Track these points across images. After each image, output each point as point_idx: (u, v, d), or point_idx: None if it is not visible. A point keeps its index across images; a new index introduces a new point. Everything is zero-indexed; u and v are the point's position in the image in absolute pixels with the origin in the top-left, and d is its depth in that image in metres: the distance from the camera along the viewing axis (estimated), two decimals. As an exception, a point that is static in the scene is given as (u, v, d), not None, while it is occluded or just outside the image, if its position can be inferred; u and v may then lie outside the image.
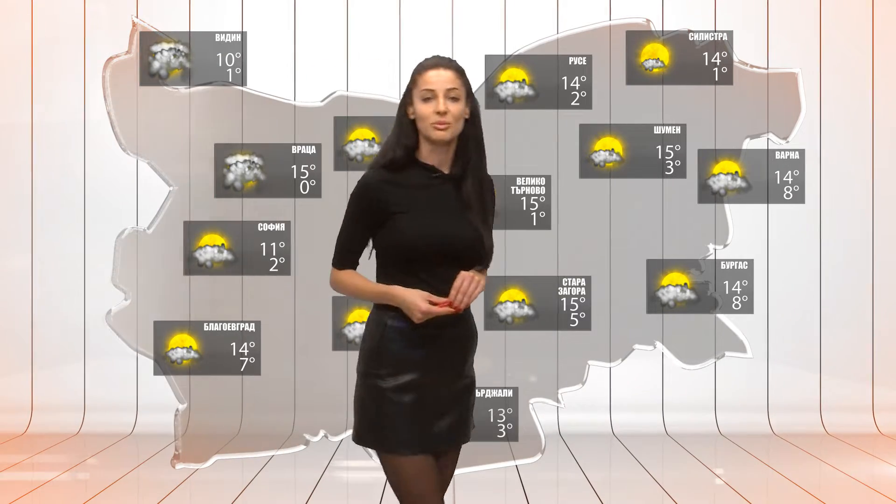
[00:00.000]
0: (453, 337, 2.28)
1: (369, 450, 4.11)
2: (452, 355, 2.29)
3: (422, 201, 2.24)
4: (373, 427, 2.24)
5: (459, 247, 2.23)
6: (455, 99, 2.23)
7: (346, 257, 2.31)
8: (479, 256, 2.27)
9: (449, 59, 2.30)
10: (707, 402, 5.36)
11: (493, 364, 4.21)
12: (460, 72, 2.27)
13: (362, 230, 2.28)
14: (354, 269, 2.33)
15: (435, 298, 2.17)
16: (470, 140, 2.28)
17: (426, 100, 2.22)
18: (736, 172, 4.33)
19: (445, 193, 2.27)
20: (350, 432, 4.14)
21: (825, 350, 5.56)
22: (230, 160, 4.15)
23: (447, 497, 4.13)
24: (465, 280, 2.16)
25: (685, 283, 4.21)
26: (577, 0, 5.86)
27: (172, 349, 4.12)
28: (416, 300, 2.17)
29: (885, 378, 5.60)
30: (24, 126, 5.65)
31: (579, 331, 4.17)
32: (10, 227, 5.47)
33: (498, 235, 4.37)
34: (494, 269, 4.22)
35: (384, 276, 2.27)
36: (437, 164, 2.28)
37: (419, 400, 2.23)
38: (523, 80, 4.19)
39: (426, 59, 2.30)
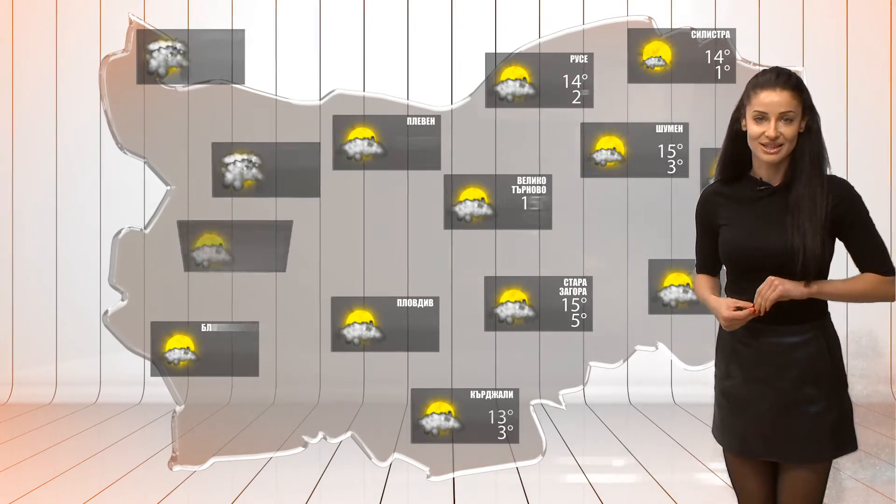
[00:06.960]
0: (772, 349, 2.22)
1: (368, 451, 4.10)
2: (771, 367, 2.22)
3: (744, 214, 2.26)
4: (714, 417, 2.40)
5: (759, 256, 2.20)
6: (789, 120, 2.17)
7: (699, 262, 2.44)
8: (787, 265, 2.16)
9: (788, 75, 2.21)
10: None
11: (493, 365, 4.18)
12: (798, 90, 2.19)
13: (704, 238, 2.39)
14: (711, 274, 2.42)
15: (741, 303, 2.19)
16: (805, 152, 2.20)
17: (758, 120, 2.18)
18: (738, 171, 4.28)
19: (770, 205, 2.23)
20: (349, 434, 4.12)
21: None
22: (228, 159, 4.12)
23: (446, 496, 4.11)
24: (766, 284, 2.15)
25: (687, 284, 4.17)
26: (579, -2, 5.83)
27: (170, 350, 4.09)
28: (720, 308, 2.22)
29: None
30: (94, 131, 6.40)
31: (580, 331, 4.14)
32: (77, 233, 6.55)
33: (497, 235, 4.38)
34: (494, 268, 4.22)
35: (727, 283, 2.34)
36: (767, 177, 2.25)
37: (735, 402, 2.28)
38: (524, 78, 4.15)
39: (764, 74, 2.22)
